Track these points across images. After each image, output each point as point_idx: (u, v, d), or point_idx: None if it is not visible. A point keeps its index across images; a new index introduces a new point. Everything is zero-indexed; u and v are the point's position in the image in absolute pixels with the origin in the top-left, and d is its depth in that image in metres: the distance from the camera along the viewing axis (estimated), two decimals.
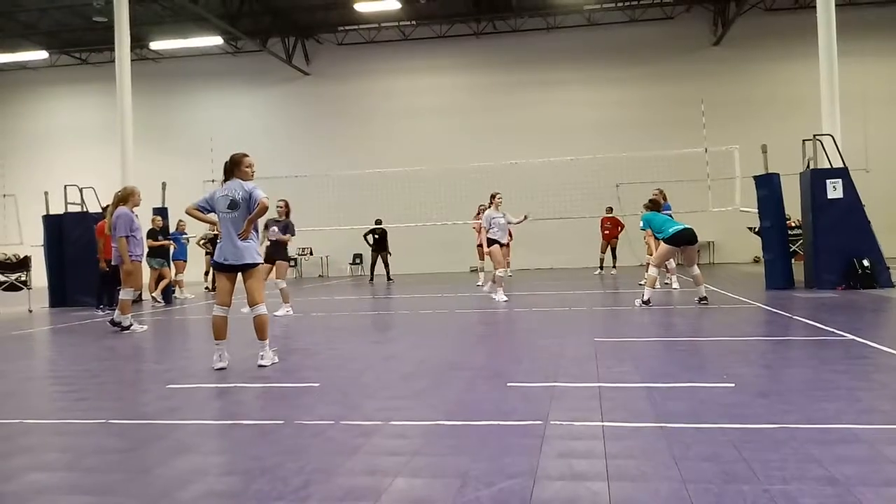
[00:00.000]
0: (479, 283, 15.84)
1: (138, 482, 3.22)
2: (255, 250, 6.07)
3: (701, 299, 9.84)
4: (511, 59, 23.63)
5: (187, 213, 6.27)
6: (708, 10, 22.44)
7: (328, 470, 3.23)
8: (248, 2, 20.85)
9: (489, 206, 11.62)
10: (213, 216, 6.25)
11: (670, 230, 9.91)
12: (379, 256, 19.49)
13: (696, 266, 10.20)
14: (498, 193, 11.64)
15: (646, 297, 9.87)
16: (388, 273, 19.57)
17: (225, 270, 6.07)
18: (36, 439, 4.06)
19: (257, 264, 6.09)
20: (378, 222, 19.00)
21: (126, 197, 9.36)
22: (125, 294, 9.17)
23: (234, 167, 6.12)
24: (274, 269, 10.60)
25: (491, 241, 11.39)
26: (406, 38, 24.20)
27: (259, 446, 3.70)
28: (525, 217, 11.97)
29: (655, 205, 10.68)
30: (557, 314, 9.55)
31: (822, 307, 9.20)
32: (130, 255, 9.16)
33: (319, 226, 18.82)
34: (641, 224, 10.55)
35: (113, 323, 9.26)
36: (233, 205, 5.97)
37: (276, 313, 10.11)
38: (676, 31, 22.74)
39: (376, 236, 19.33)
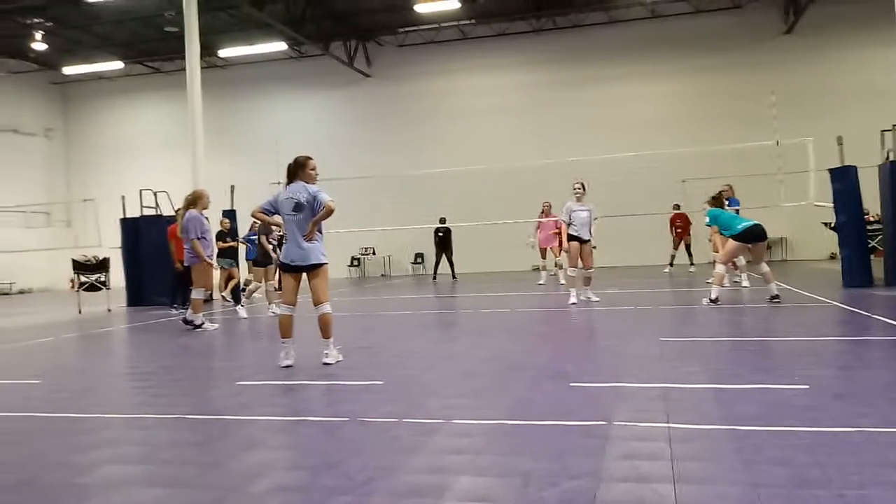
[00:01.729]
0: (542, 282, 15.71)
1: (210, 475, 3.33)
2: (320, 251, 6.18)
3: (773, 297, 9.51)
4: (572, 55, 23.36)
5: (253, 215, 6.44)
6: None
7: (392, 467, 3.27)
8: (310, 7, 21.25)
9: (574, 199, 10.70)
10: (277, 218, 6.39)
11: (739, 226, 9.62)
12: (443, 255, 19.63)
13: (764, 263, 9.87)
14: (575, 183, 10.73)
15: (714, 296, 9.62)
16: (452, 272, 19.69)
17: (291, 271, 6.21)
18: (115, 433, 4.25)
19: (323, 265, 6.21)
20: (442, 221, 19.11)
21: (195, 200, 9.69)
22: (197, 294, 9.50)
23: (299, 169, 6.24)
24: (267, 272, 11.59)
25: (571, 237, 10.56)
26: (466, 37, 24.22)
27: (325, 442, 3.78)
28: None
29: (718, 200, 10.39)
30: (622, 313, 9.40)
31: None
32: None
33: (382, 225, 19.04)
34: (707, 220, 10.26)
35: (185, 321, 9.60)
36: (297, 207, 6.10)
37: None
38: (745, 21, 22.01)
39: (440, 235, 19.48)
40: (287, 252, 6.19)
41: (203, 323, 9.49)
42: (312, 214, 6.08)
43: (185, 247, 9.79)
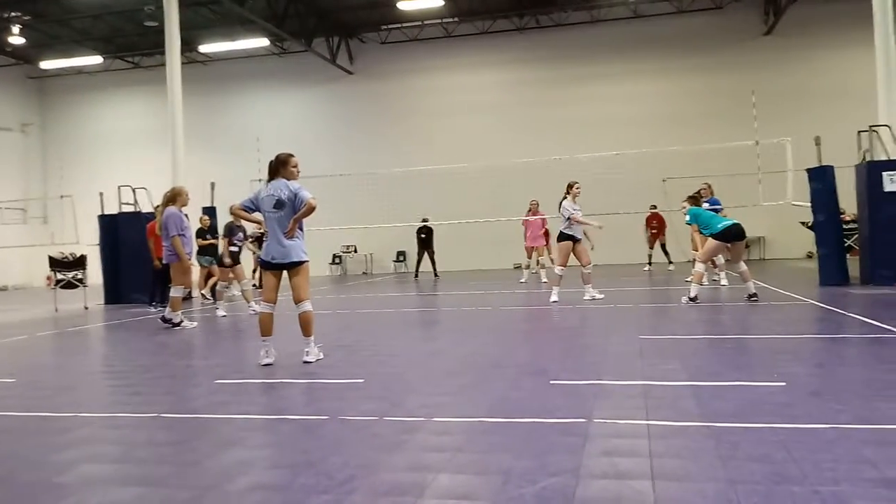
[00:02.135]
0: (523, 280, 15.74)
1: (188, 474, 3.30)
2: (301, 248, 6.14)
3: (750, 296, 9.62)
4: (555, 53, 23.44)
5: (232, 212, 6.39)
6: None
7: (372, 465, 3.26)
8: (293, 3, 21.13)
9: (565, 197, 10.72)
10: (257, 215, 6.34)
11: (719, 226, 9.72)
12: (425, 253, 19.71)
13: (742, 262, 9.98)
14: (576, 183, 10.79)
15: (693, 294, 9.70)
16: (434, 270, 19.74)
17: (271, 268, 6.16)
18: (91, 432, 4.19)
19: (304, 262, 6.18)
20: (424, 220, 19.17)
21: (174, 197, 9.60)
22: (175, 291, 9.41)
23: (281, 167, 6.20)
24: (235, 272, 11.47)
25: (565, 237, 10.56)
26: (449, 35, 24.20)
27: (305, 441, 3.76)
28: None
29: (696, 199, 10.52)
30: (602, 311, 9.44)
31: (878, 304, 8.90)
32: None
33: (363, 223, 18.99)
34: (688, 218, 10.35)
35: (164, 320, 9.51)
36: (279, 204, 6.06)
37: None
38: (726, 21, 22.22)
39: (423, 235, 19.55)
40: (268, 249, 6.14)
41: (182, 321, 9.41)
42: (294, 212, 6.04)
43: (163, 244, 9.68)
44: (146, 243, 12.57)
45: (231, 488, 3.07)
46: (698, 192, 11.22)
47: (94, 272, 14.70)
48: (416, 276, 20.02)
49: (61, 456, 3.66)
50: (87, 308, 13.63)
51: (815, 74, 21.32)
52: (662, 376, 4.95)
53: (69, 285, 13.91)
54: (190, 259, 9.64)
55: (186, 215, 9.77)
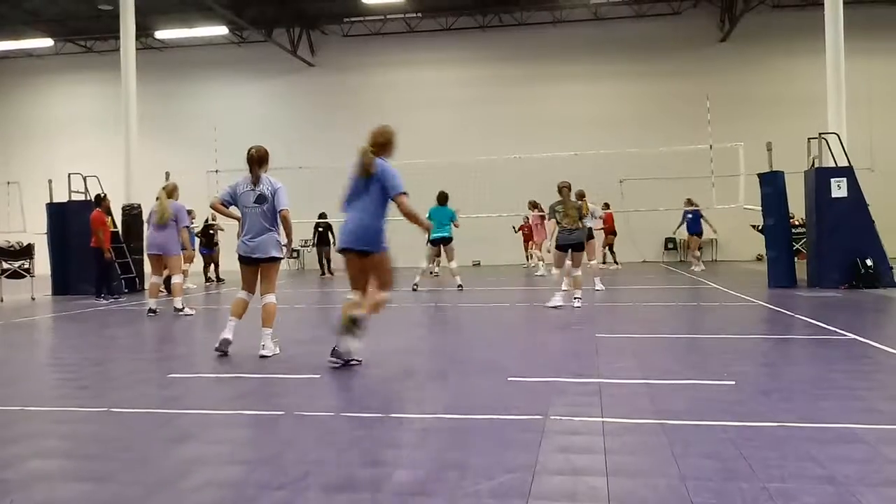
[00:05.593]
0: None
1: (139, 471, 3.23)
2: (279, 245, 6.22)
3: (459, 286, 12.04)
4: (516, 53, 23.55)
5: (212, 207, 6.27)
6: (715, 6, 22.30)
7: (328, 461, 3.24)
8: None
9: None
10: (234, 210, 6.25)
11: (433, 234, 12.02)
12: (323, 251, 18.96)
13: (454, 261, 12.41)
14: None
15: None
16: (329, 267, 19.02)
17: (249, 263, 6.17)
18: (37, 426, 4.07)
19: (279, 259, 6.26)
20: (322, 216, 18.63)
21: (172, 191, 10.07)
22: (178, 279, 10.07)
23: (264, 161, 6.16)
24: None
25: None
26: (412, 30, 24.12)
27: (259, 437, 3.71)
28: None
29: (442, 199, 12.86)
30: (559, 309, 9.53)
31: (824, 306, 9.19)
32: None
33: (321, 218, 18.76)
34: (428, 214, 12.04)
35: (176, 309, 9.82)
36: (261, 199, 6.06)
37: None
38: (683, 27, 22.63)
39: (320, 229, 18.92)
40: (246, 245, 6.10)
41: (183, 308, 9.82)
42: (273, 207, 6.09)
43: (160, 232, 9.84)
44: (96, 234, 12.20)
45: (184, 485, 3.01)
46: (441, 192, 12.83)
47: (42, 262, 14.27)
48: (323, 274, 19.12)
49: (6, 451, 3.54)
50: (33, 299, 13.22)
51: (767, 82, 21.86)
52: (618, 374, 5.02)
53: (15, 275, 13.46)
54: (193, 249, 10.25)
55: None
